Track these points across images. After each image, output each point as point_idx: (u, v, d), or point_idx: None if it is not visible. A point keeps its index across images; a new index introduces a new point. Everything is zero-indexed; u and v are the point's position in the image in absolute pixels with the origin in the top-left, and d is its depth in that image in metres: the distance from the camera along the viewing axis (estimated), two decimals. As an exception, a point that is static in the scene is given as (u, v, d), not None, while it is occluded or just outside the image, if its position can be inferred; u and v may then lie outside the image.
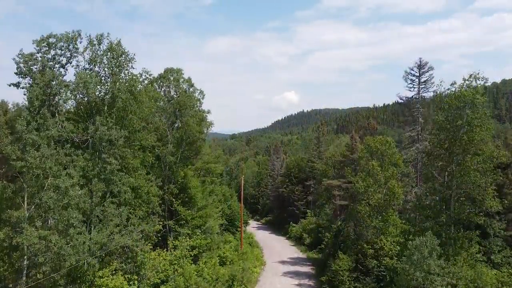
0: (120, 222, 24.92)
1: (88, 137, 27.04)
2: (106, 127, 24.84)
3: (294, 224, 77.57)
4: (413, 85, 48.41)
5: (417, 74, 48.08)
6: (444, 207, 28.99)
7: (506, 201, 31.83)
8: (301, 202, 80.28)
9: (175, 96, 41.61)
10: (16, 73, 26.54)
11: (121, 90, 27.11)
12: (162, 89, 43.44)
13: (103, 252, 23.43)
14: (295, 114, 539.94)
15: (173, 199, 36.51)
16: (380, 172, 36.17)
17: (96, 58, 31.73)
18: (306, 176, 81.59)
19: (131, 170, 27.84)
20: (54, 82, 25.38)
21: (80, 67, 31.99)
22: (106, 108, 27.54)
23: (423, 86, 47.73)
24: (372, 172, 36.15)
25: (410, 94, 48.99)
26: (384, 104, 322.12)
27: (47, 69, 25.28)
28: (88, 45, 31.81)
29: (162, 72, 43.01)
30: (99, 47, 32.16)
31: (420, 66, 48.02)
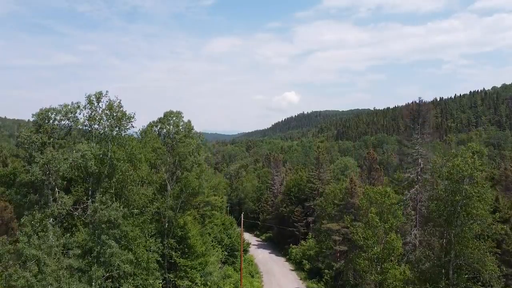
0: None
1: (87, 202, 27.17)
2: (105, 206, 24.88)
3: (294, 246, 77.76)
4: (413, 124, 48.31)
5: (417, 113, 47.94)
6: (442, 272, 29.02)
7: (504, 268, 31.74)
8: (301, 223, 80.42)
9: (175, 139, 41.56)
10: (16, 145, 26.75)
11: (120, 160, 27.11)
12: (162, 132, 43.56)
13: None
14: (295, 116, 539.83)
15: (173, 253, 36.58)
16: (379, 223, 36.14)
17: (95, 116, 31.83)
18: (306, 196, 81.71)
19: (130, 239, 27.87)
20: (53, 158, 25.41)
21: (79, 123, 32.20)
22: (104, 177, 27.58)
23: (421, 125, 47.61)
24: (371, 224, 36.14)
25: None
26: (383, 109, 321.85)
27: (46, 148, 25.34)
28: (87, 104, 31.93)
29: (162, 116, 43.12)
30: (98, 105, 32.25)
31: (420, 105, 47.97)
